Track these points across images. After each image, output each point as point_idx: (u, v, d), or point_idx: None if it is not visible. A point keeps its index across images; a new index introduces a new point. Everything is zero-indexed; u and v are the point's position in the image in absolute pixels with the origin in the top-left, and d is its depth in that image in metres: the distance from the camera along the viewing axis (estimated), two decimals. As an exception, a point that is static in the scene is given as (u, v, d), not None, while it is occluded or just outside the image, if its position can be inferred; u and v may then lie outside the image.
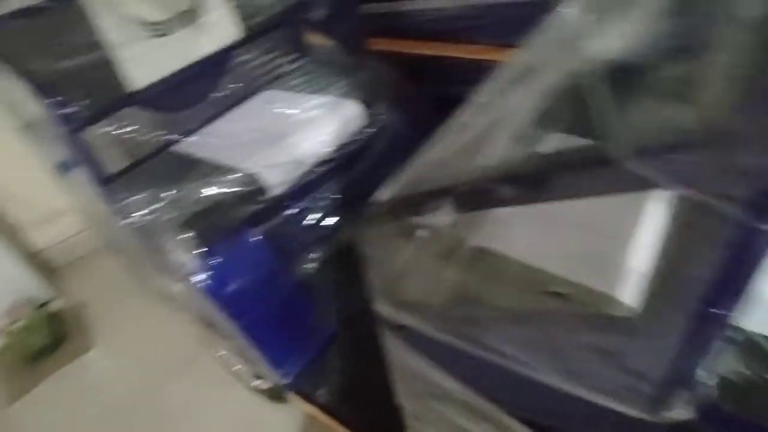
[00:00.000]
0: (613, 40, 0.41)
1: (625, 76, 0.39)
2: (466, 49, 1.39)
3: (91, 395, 1.60)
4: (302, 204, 1.15)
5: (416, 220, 0.47)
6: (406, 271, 0.53)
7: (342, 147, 1.21)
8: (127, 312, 1.83)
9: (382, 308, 0.54)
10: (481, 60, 1.37)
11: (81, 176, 1.12)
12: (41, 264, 2.08)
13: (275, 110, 1.30)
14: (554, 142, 0.47)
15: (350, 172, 1.23)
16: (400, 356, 0.58)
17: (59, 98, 0.88)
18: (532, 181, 0.36)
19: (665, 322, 0.42)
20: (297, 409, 1.30)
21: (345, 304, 1.18)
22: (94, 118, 1.10)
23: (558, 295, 0.50)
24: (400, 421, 0.78)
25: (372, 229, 0.49)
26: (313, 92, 1.33)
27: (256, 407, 1.40)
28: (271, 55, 1.41)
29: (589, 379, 0.45)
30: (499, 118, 0.51)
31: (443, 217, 0.47)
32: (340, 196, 1.21)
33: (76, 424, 1.53)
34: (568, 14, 0.54)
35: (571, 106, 0.45)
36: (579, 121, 0.42)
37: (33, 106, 1.00)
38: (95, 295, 1.97)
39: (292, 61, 1.44)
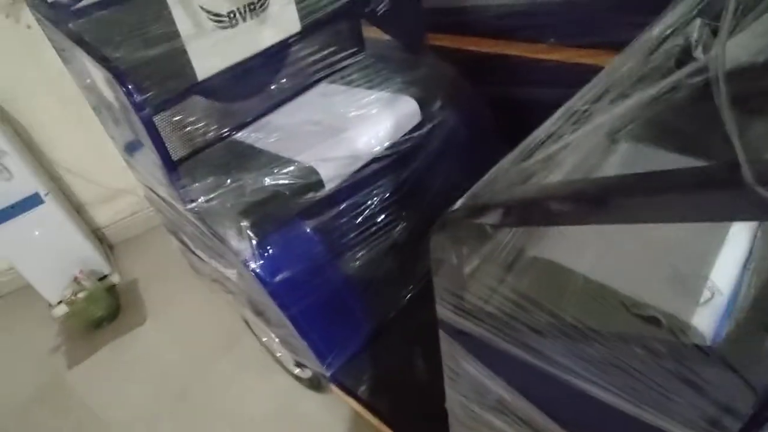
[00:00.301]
0: (739, 51, 0.39)
1: (754, 91, 0.36)
2: (530, 48, 1.35)
3: (142, 366, 1.70)
4: (355, 199, 1.16)
5: (490, 229, 0.47)
6: (473, 279, 0.52)
7: (397, 144, 1.21)
8: (177, 290, 1.92)
9: (445, 313, 0.54)
10: (544, 60, 1.33)
11: (146, 159, 1.17)
12: (100, 240, 2.21)
13: (332, 104, 1.32)
14: (658, 160, 0.45)
15: (404, 170, 1.23)
16: (457, 362, 0.57)
17: (134, 85, 0.92)
18: (635, 202, 0.34)
19: (758, 353, 0.40)
20: (336, 399, 1.33)
21: (391, 302, 1.18)
22: (164, 105, 1.16)
23: (638, 316, 0.48)
24: (443, 424, 0.78)
25: (445, 234, 0.49)
26: (370, 87, 1.33)
27: (295, 394, 1.43)
28: (329, 49, 1.42)
29: (664, 406, 0.43)
30: (596, 129, 0.49)
31: (517, 228, 0.46)
32: (392, 193, 1.21)
33: (128, 390, 1.63)
34: (675, 20, 0.50)
35: (684, 121, 0.42)
36: (693, 138, 0.40)
37: (107, 90, 1.06)
38: (148, 273, 2.08)
39: (350, 56, 1.45)
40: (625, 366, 0.49)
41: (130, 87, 0.93)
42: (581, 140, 0.48)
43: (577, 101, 0.53)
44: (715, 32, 0.47)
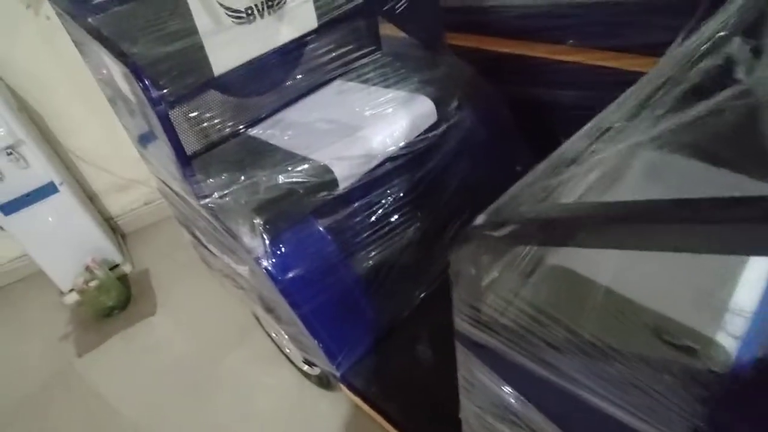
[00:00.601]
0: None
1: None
2: (549, 49, 1.33)
3: (152, 356, 1.71)
4: (369, 199, 1.15)
5: (513, 245, 0.46)
6: (492, 291, 0.51)
7: (412, 144, 1.20)
8: (188, 282, 1.93)
9: (463, 325, 0.53)
10: (564, 61, 1.31)
11: (160, 152, 1.17)
12: (113, 229, 2.23)
13: (347, 102, 1.31)
14: (690, 173, 0.43)
15: (419, 170, 1.22)
16: (472, 373, 0.57)
17: (150, 81, 0.91)
18: (670, 230, 0.33)
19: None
20: (345, 398, 1.33)
21: (404, 303, 1.18)
22: (180, 101, 1.16)
23: (667, 343, 0.46)
24: (454, 429, 0.78)
25: (467, 248, 0.48)
26: (386, 86, 1.32)
27: (304, 390, 1.44)
28: (346, 47, 1.41)
29: (683, 429, 0.42)
30: (630, 150, 0.47)
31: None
32: (407, 193, 1.20)
33: (138, 380, 1.64)
34: (710, 35, 0.48)
35: (726, 145, 0.40)
36: (734, 162, 0.38)
37: (123, 84, 1.06)
38: (160, 263, 2.09)
39: (367, 54, 1.44)
40: (644, 387, 0.48)
41: (147, 82, 0.93)
42: (617, 162, 0.47)
43: (609, 116, 0.52)
44: (756, 52, 0.45)
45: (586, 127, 0.51)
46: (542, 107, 1.41)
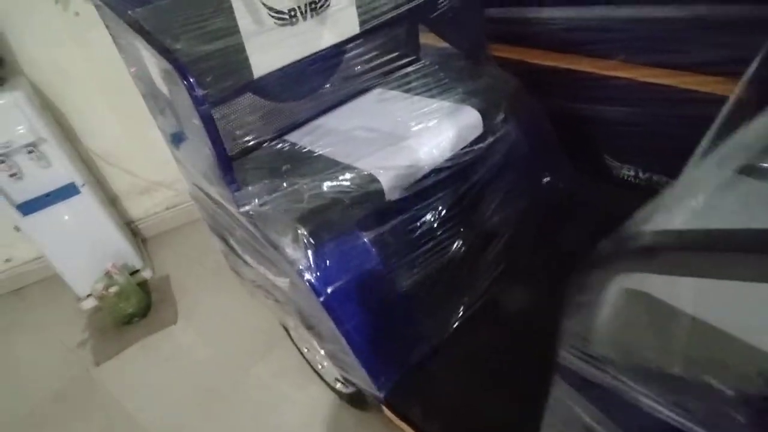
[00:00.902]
0: None
1: None
2: (597, 63, 1.29)
3: (173, 366, 1.65)
4: (413, 211, 1.10)
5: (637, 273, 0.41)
6: (603, 324, 0.46)
7: (458, 156, 1.15)
8: (210, 289, 1.88)
9: (569, 359, 0.48)
10: (612, 77, 1.27)
11: (195, 156, 1.13)
12: (134, 233, 2.18)
13: (389, 111, 1.27)
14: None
15: (462, 183, 1.18)
16: (570, 409, 0.51)
17: (193, 79, 0.87)
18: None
19: None
20: (375, 418, 1.27)
21: (447, 321, 1.12)
22: (218, 102, 1.12)
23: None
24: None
25: (593, 275, 0.43)
26: (430, 96, 1.28)
27: (333, 408, 1.38)
28: (387, 56, 1.37)
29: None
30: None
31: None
32: (451, 207, 1.15)
33: (158, 391, 1.58)
34: None
35: None
36: None
37: (160, 81, 1.02)
38: (181, 269, 2.03)
39: (408, 63, 1.40)
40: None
41: (192, 81, 0.88)
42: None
43: (743, 141, 0.47)
44: None
45: (719, 150, 0.46)
46: (586, 122, 1.37)
